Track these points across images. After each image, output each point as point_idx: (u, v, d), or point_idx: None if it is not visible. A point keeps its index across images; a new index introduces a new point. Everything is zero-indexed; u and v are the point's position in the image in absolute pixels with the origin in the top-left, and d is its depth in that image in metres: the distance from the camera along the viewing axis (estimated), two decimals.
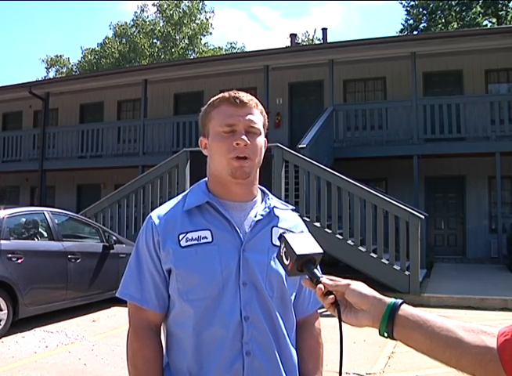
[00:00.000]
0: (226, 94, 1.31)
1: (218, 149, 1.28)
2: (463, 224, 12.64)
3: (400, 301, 0.93)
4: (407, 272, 7.53)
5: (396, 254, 7.71)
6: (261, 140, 1.32)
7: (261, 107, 1.35)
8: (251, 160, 1.28)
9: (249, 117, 1.28)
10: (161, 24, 34.07)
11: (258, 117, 1.31)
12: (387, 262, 7.68)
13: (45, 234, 6.58)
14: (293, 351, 1.33)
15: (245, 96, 1.30)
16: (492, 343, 0.82)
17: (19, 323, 5.88)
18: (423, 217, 7.78)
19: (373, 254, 7.81)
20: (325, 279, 1.00)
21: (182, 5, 33.59)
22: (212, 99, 1.35)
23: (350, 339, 5.14)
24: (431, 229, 12.53)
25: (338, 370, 1.01)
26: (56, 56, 37.70)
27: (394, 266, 7.63)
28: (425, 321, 0.88)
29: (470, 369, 0.84)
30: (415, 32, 26.60)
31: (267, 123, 1.38)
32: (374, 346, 5.16)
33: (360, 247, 7.91)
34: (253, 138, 1.28)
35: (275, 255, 1.28)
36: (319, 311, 1.49)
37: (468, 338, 0.84)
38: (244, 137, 1.26)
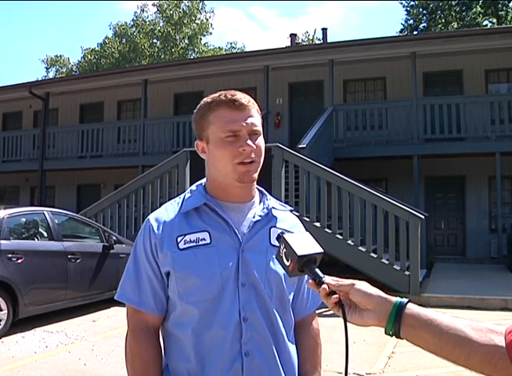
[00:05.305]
0: (223, 96, 1.26)
1: (222, 155, 1.25)
2: (463, 224, 12.63)
3: (406, 300, 0.93)
4: (407, 272, 7.53)
5: (396, 254, 7.71)
6: (262, 140, 1.30)
7: (257, 106, 1.31)
8: (257, 162, 1.27)
9: (250, 120, 1.26)
10: (161, 24, 34.09)
11: (257, 117, 1.29)
12: (387, 262, 7.69)
13: (45, 234, 6.57)
14: (293, 351, 1.33)
15: (243, 98, 1.27)
16: (501, 342, 0.82)
17: (19, 323, 5.88)
18: (423, 217, 7.78)
19: (373, 254, 7.81)
20: (328, 279, 1.00)
21: (182, 5, 33.60)
22: (207, 101, 1.30)
23: (350, 339, 5.08)
24: (431, 229, 12.52)
25: (344, 370, 1.02)
26: (56, 55, 37.78)
27: (394, 266, 7.63)
28: (432, 320, 0.88)
29: (478, 368, 0.84)
30: (415, 32, 26.62)
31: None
32: (374, 346, 5.16)
33: (360, 247, 7.91)
34: (256, 140, 1.27)
35: (274, 256, 1.28)
36: (319, 311, 1.49)
37: (476, 336, 0.84)
38: (250, 142, 1.24)
